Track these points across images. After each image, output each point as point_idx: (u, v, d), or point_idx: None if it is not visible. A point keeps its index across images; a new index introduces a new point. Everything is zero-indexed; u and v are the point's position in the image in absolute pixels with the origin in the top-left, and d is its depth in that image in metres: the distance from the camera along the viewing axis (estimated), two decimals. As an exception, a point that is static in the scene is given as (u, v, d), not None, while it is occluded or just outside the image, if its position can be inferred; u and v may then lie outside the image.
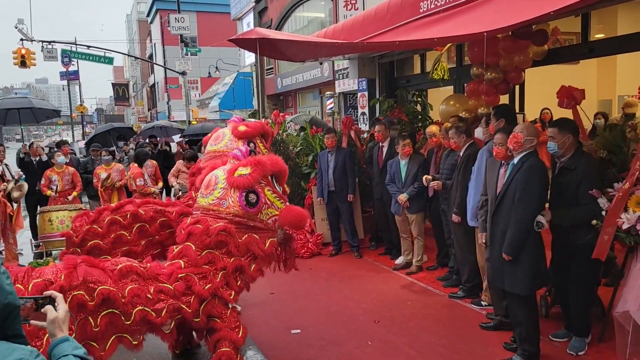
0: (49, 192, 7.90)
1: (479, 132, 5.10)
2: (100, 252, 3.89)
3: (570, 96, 5.82)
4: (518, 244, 3.75)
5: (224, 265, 3.47)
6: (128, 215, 4.04)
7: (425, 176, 5.76)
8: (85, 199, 9.45)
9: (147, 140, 12.72)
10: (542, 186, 3.83)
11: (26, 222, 8.51)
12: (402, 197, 6.02)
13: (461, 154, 5.24)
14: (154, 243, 4.17)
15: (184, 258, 3.42)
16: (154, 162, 8.66)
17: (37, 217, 7.31)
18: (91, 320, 2.83)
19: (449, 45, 7.03)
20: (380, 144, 6.78)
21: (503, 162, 4.15)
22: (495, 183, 4.22)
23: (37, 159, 8.95)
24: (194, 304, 3.28)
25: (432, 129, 6.16)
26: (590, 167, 3.82)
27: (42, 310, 1.63)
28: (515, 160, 4.00)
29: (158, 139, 13.47)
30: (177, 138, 15.26)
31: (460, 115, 6.35)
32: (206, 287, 3.35)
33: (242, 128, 4.33)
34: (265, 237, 3.63)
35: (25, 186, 7.28)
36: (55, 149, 9.10)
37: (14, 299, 1.54)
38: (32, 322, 1.63)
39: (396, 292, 5.65)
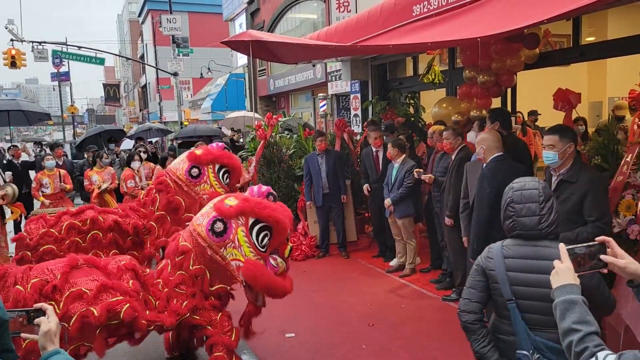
0: (41, 199, 7.82)
1: (471, 136, 5.13)
2: (53, 258, 3.66)
3: (566, 99, 5.86)
4: (479, 248, 3.80)
5: (193, 291, 3.32)
6: (88, 221, 3.93)
7: (417, 170, 5.80)
8: (78, 200, 9.40)
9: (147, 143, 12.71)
10: (494, 191, 3.91)
11: (11, 226, 8.43)
12: (387, 201, 6.13)
13: (453, 157, 5.27)
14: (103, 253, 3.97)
15: (161, 276, 3.39)
16: (151, 164, 8.63)
17: (29, 221, 7.23)
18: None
19: (438, 50, 7.09)
20: (374, 149, 6.83)
21: (484, 165, 4.25)
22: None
23: (19, 161, 8.93)
24: (170, 318, 3.20)
25: (434, 128, 6.19)
26: (595, 179, 3.46)
27: (36, 321, 1.61)
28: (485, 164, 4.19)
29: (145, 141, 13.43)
30: (153, 140, 15.13)
31: (452, 119, 6.39)
32: (184, 305, 3.27)
33: (197, 151, 4.16)
34: (217, 278, 3.31)
35: (11, 191, 7.15)
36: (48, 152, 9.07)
37: (2, 313, 1.52)
38: (23, 335, 1.62)
39: (390, 295, 5.67)
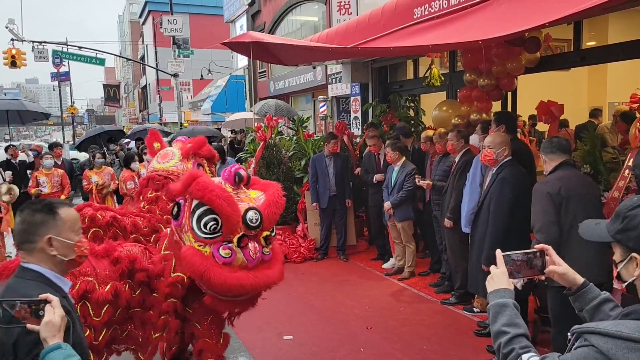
0: (33, 191, 7.84)
1: (474, 139, 5.10)
2: None
3: (548, 111, 5.86)
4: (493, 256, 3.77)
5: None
6: (86, 219, 3.92)
7: (417, 176, 5.81)
8: (79, 200, 9.39)
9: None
10: (515, 198, 3.88)
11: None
12: (386, 205, 6.11)
13: (457, 159, 5.26)
14: None
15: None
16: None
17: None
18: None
19: (436, 53, 7.10)
20: (376, 153, 6.85)
21: (493, 168, 4.23)
22: (486, 189, 4.28)
23: (17, 160, 8.94)
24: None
25: (428, 133, 6.18)
26: (537, 184, 3.61)
27: (41, 313, 1.57)
28: (494, 169, 4.12)
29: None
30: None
31: (452, 122, 6.38)
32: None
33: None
34: (179, 265, 3.00)
35: (16, 189, 7.20)
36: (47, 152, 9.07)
37: None
38: (29, 326, 1.57)
39: (388, 298, 5.64)
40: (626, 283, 1.38)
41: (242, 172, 2.93)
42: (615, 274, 1.43)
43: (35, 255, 1.78)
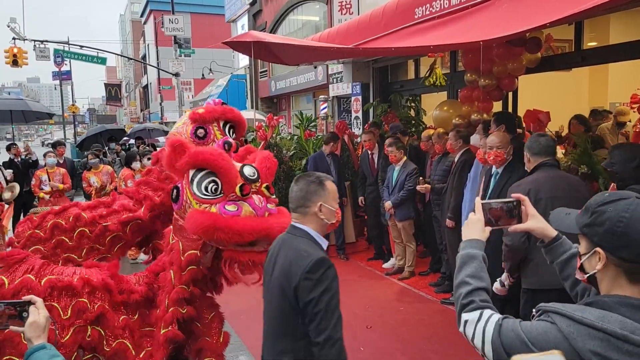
0: (41, 194, 7.85)
1: (475, 139, 5.10)
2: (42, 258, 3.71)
3: (535, 120, 5.87)
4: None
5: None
6: (71, 218, 3.87)
7: (421, 178, 5.82)
8: (81, 199, 9.41)
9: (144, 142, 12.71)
10: None
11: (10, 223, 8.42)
12: (387, 204, 6.11)
13: (456, 159, 5.26)
14: (94, 250, 3.90)
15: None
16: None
17: (28, 219, 7.23)
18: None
19: (439, 53, 7.09)
20: (370, 152, 6.84)
21: (482, 166, 4.21)
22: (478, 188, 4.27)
23: (19, 159, 8.97)
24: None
25: (430, 132, 6.19)
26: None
27: (25, 314, 1.58)
28: (500, 169, 4.09)
29: (146, 141, 13.45)
30: (162, 139, 15.46)
31: (453, 122, 6.37)
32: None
33: (200, 110, 3.62)
34: (187, 245, 2.96)
35: (17, 187, 7.22)
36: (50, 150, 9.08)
37: None
38: (12, 327, 1.58)
39: (388, 298, 5.65)
40: (588, 275, 1.41)
41: (231, 140, 3.03)
42: (578, 264, 1.45)
43: (307, 217, 2.18)
